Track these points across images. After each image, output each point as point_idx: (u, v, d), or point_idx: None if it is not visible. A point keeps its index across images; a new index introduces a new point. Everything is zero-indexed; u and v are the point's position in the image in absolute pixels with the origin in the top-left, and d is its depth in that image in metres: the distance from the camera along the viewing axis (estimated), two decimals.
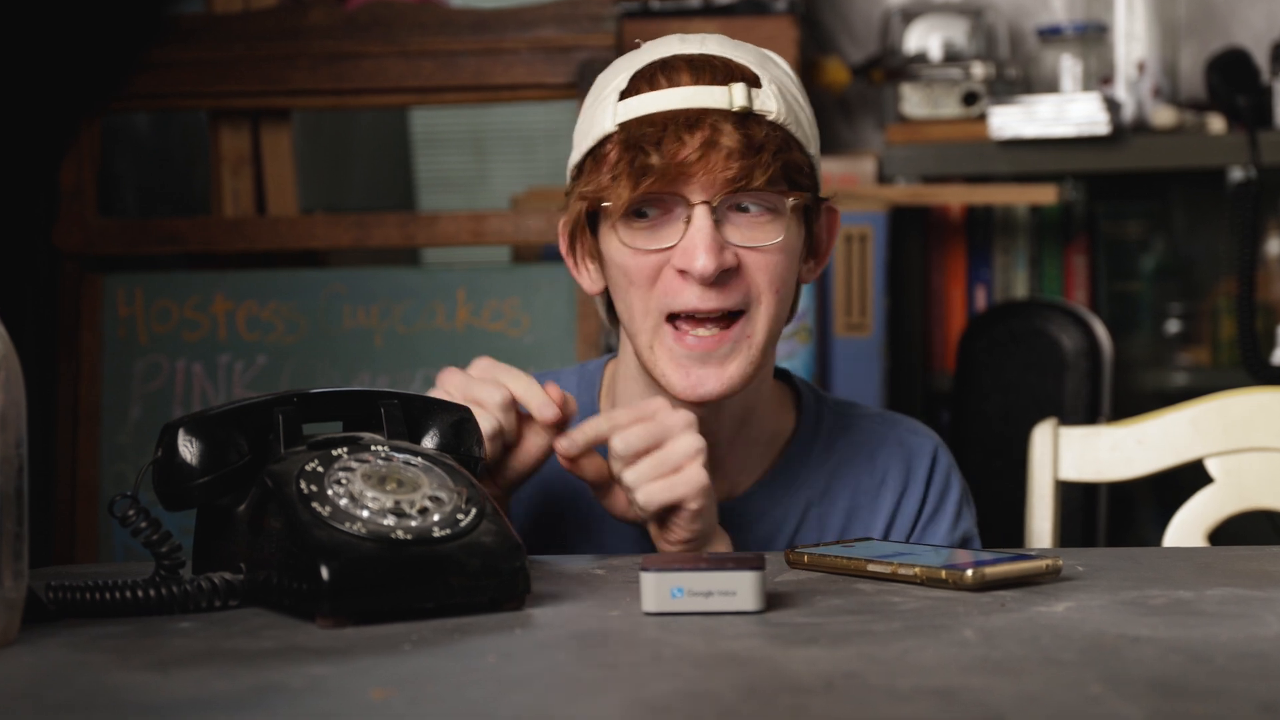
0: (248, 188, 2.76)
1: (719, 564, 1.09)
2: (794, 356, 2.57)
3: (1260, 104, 2.71)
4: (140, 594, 1.11)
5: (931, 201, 2.83)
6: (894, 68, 2.88)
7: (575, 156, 1.44)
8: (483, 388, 1.35)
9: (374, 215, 2.73)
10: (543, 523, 1.49)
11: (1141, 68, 2.81)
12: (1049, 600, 1.11)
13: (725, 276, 1.38)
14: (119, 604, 1.11)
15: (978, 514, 1.56)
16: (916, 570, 1.17)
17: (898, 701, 0.86)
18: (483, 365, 1.38)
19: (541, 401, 1.36)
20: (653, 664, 0.97)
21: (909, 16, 2.91)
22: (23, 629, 1.05)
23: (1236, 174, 2.81)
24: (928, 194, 2.80)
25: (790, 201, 1.40)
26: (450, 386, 1.36)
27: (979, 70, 2.83)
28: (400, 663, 0.97)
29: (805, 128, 1.42)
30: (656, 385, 1.43)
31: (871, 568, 1.20)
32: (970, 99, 2.82)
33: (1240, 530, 1.78)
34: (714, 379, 1.40)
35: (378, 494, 1.12)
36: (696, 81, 1.38)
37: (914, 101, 2.84)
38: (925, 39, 2.89)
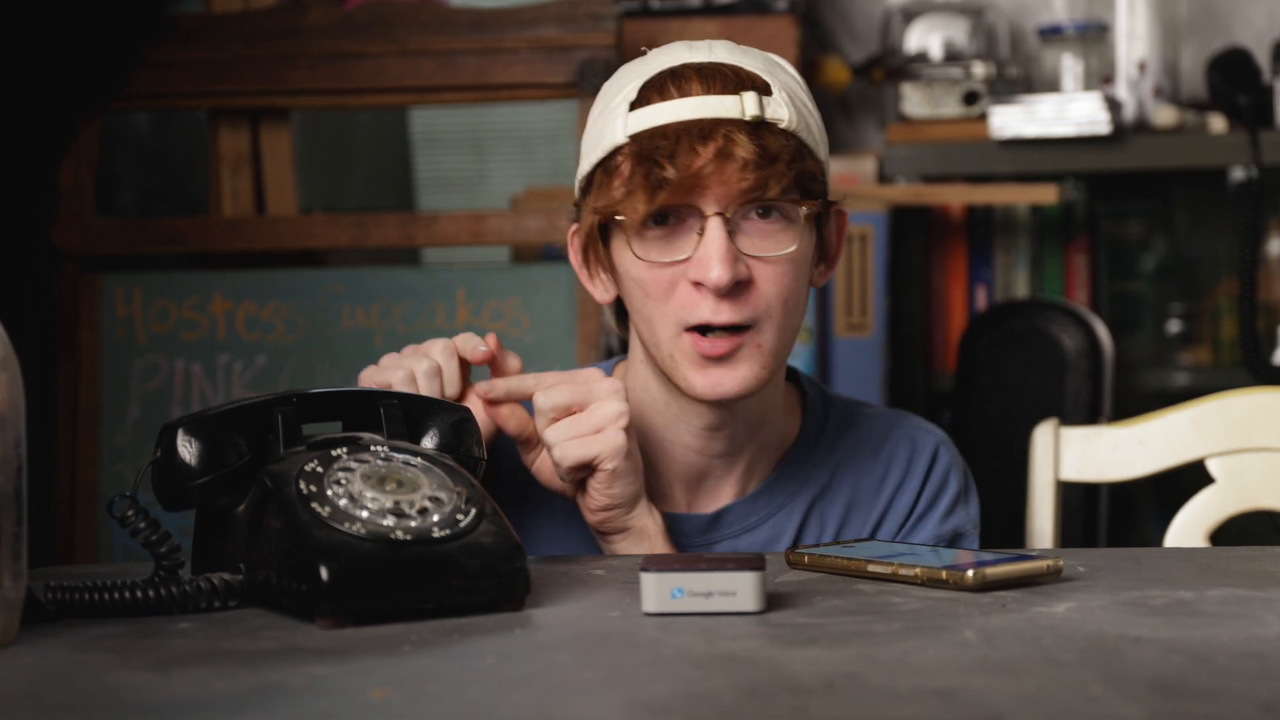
0: (247, 187, 2.76)
1: (719, 564, 1.09)
2: (795, 357, 2.56)
3: (1261, 103, 2.71)
4: (139, 594, 1.11)
5: (932, 201, 2.83)
6: (894, 67, 2.88)
7: (585, 167, 1.43)
8: (409, 360, 1.38)
9: (373, 215, 2.72)
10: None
11: (1142, 67, 2.81)
12: (1050, 601, 1.11)
13: (739, 288, 1.38)
14: (118, 604, 1.11)
15: (979, 514, 1.56)
16: (917, 571, 1.16)
17: (898, 702, 0.86)
18: (404, 352, 1.40)
19: (471, 346, 1.40)
20: (653, 664, 0.97)
21: (910, 16, 2.91)
22: (22, 629, 1.05)
23: (1238, 174, 2.81)
24: (928, 194, 2.80)
25: (804, 211, 1.40)
26: (379, 375, 1.38)
27: (980, 70, 2.83)
28: (400, 663, 0.96)
29: (815, 133, 1.42)
30: (674, 387, 1.43)
31: (872, 568, 1.19)
32: (971, 98, 2.82)
33: (1241, 530, 1.78)
34: (730, 379, 1.41)
35: (377, 494, 1.12)
36: (707, 90, 1.38)
37: (915, 101, 2.84)
38: (926, 38, 2.89)
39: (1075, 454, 1.73)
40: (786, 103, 1.39)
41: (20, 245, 2.70)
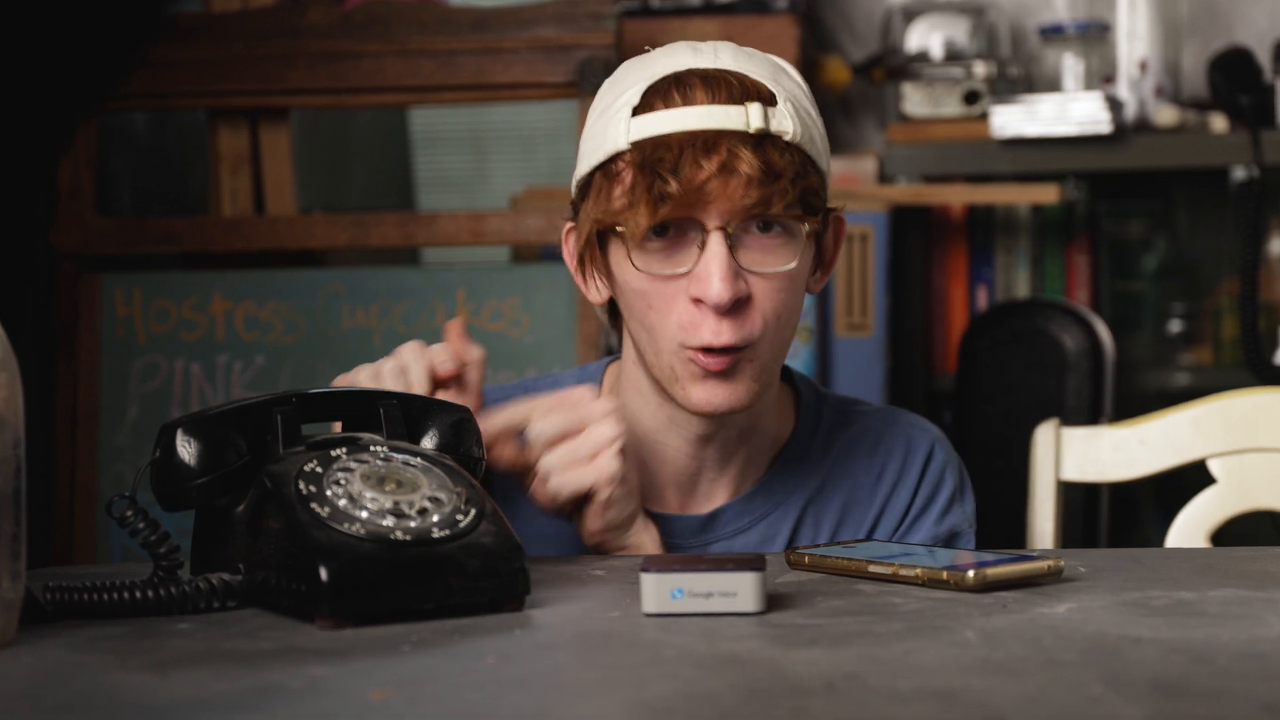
0: (246, 187, 2.76)
1: (719, 565, 1.09)
2: (795, 357, 2.57)
3: (1263, 103, 2.71)
4: (138, 595, 1.11)
5: (933, 201, 2.83)
6: (895, 67, 2.88)
7: (584, 168, 1.42)
8: (380, 361, 1.40)
9: (373, 215, 2.72)
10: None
11: (1144, 67, 2.80)
12: (1050, 601, 1.10)
13: (738, 305, 1.37)
14: (117, 605, 1.11)
15: (980, 514, 1.55)
16: (918, 571, 1.16)
17: (898, 703, 0.86)
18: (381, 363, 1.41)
19: (442, 359, 1.40)
20: (653, 665, 0.96)
21: (910, 15, 2.91)
22: (21, 630, 1.05)
23: (1239, 173, 2.81)
24: (929, 193, 2.80)
25: (805, 228, 1.39)
26: (348, 377, 1.40)
27: (980, 69, 2.83)
28: (400, 663, 0.96)
29: (818, 143, 1.41)
30: (664, 392, 1.43)
31: (872, 569, 1.19)
32: (972, 98, 2.82)
33: (1242, 531, 1.78)
34: (726, 394, 1.40)
35: (377, 495, 1.12)
36: (712, 100, 1.36)
37: (915, 100, 2.84)
38: (926, 38, 2.89)
39: (1076, 454, 1.72)
40: (791, 114, 1.37)
41: (19, 245, 2.70)
